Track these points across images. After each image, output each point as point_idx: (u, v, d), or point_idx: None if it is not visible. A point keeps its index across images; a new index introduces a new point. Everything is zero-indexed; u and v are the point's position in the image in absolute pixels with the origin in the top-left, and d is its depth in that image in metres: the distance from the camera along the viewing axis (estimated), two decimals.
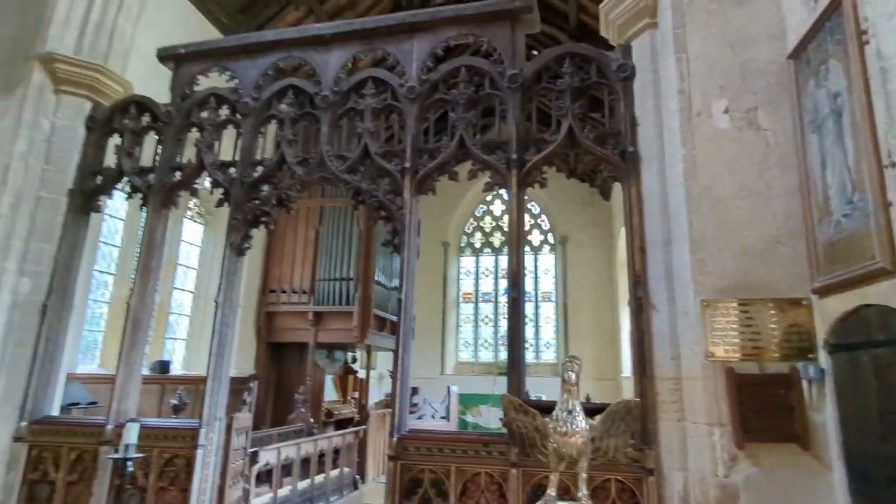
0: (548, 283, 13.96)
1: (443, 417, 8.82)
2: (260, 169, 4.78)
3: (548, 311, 13.85)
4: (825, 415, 3.19)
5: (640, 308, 3.79)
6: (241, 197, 4.74)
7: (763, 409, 3.25)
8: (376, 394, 11.73)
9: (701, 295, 3.46)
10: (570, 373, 2.27)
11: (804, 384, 3.23)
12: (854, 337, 2.94)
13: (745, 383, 3.28)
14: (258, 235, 8.94)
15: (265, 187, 4.78)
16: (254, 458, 5.37)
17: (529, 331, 13.59)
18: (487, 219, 14.75)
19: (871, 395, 2.79)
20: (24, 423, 4.47)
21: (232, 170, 4.82)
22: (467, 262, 14.59)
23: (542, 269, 14.06)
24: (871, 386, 2.79)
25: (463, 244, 14.68)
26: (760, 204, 3.48)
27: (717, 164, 3.61)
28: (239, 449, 4.98)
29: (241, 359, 8.29)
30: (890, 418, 2.65)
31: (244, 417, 5.11)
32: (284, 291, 8.91)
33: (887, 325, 2.65)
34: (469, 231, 14.77)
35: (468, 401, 12.33)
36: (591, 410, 2.36)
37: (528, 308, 13.80)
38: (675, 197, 3.71)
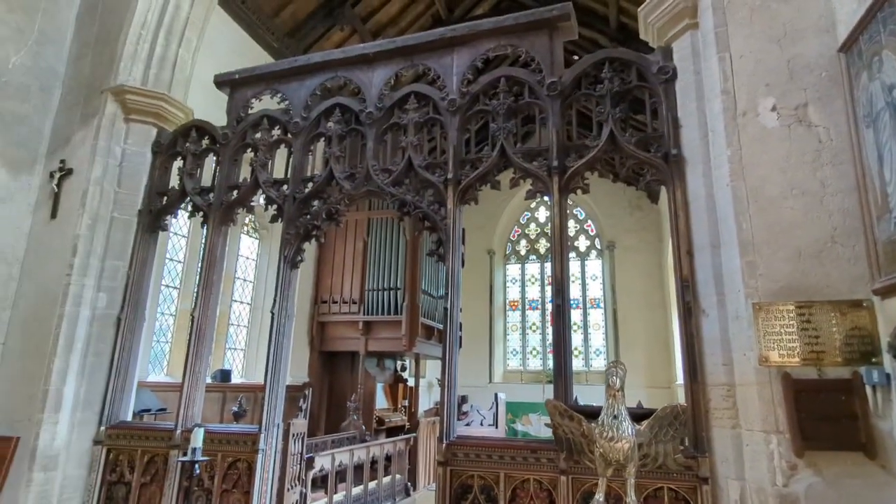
0: (596, 290, 13.73)
1: (490, 424, 8.80)
2: (310, 185, 4.98)
3: (596, 317, 13.61)
4: (892, 422, 3.02)
5: (689, 313, 3.71)
6: (294, 212, 4.94)
7: (823, 416, 3.11)
8: (426, 402, 11.83)
9: (753, 298, 3.35)
10: (614, 377, 2.26)
11: (868, 390, 3.07)
12: None
13: (802, 389, 3.15)
14: (310, 248, 9.26)
15: (315, 202, 4.96)
16: (310, 463, 5.53)
17: (577, 338, 13.38)
18: (532, 226, 14.68)
19: None
20: (102, 428, 4.79)
21: (284, 187, 5.04)
22: (513, 269, 14.55)
23: (590, 275, 13.84)
24: None
25: (508, 252, 14.66)
26: (814, 203, 3.35)
27: (766, 163, 3.50)
28: (295, 454, 5.14)
29: (296, 367, 8.55)
30: None
31: (300, 423, 5.27)
32: (335, 302, 9.14)
33: None
34: (514, 238, 14.73)
35: (517, 409, 12.25)
36: (638, 416, 2.34)
37: (576, 315, 13.60)
38: (723, 199, 3.62)
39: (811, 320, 3.24)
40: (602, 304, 13.54)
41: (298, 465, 5.17)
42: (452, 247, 4.41)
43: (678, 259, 3.86)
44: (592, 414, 2.39)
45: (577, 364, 13.03)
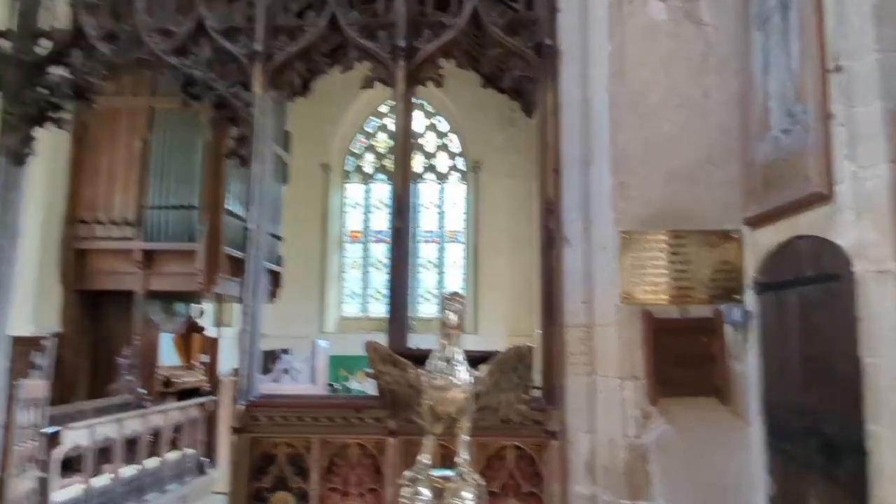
0: (455, 220, 14.07)
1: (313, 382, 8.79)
2: (47, 44, 4.27)
3: (455, 254, 14.03)
4: (747, 364, 3.47)
5: (551, 242, 3.86)
6: (19, 82, 4.22)
7: (683, 359, 3.47)
8: (230, 357, 11.41)
9: (621, 225, 3.57)
10: (450, 312, 2.24)
11: (727, 329, 3.47)
12: (784, 274, 3.17)
13: (664, 330, 3.47)
14: (61, 145, 8.15)
15: (55, 70, 4.29)
16: (54, 439, 5.04)
17: (430, 278, 13.75)
18: (381, 136, 14.41)
19: (795, 340, 3.04)
20: None
21: (4, 42, 4.26)
22: (355, 191, 14.28)
23: (450, 203, 14.12)
24: (795, 329, 3.04)
25: (349, 168, 14.29)
26: (695, 115, 3.60)
27: (650, 65, 3.66)
28: (28, 427, 4.65)
29: (41, 312, 7.68)
30: (812, 365, 2.91)
31: (35, 386, 4.74)
32: (101, 222, 8.26)
33: (819, 260, 2.87)
34: (358, 151, 14.39)
35: (352, 364, 12.38)
36: (476, 360, 2.37)
37: (430, 250, 13.90)
38: (599, 104, 3.74)
39: (680, 252, 3.55)
40: (463, 239, 13.97)
41: (34, 441, 4.69)
42: (259, 146, 4.07)
43: (543, 177, 3.97)
44: (423, 359, 2.38)
45: (427, 309, 13.41)
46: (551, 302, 3.82)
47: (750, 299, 3.46)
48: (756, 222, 3.38)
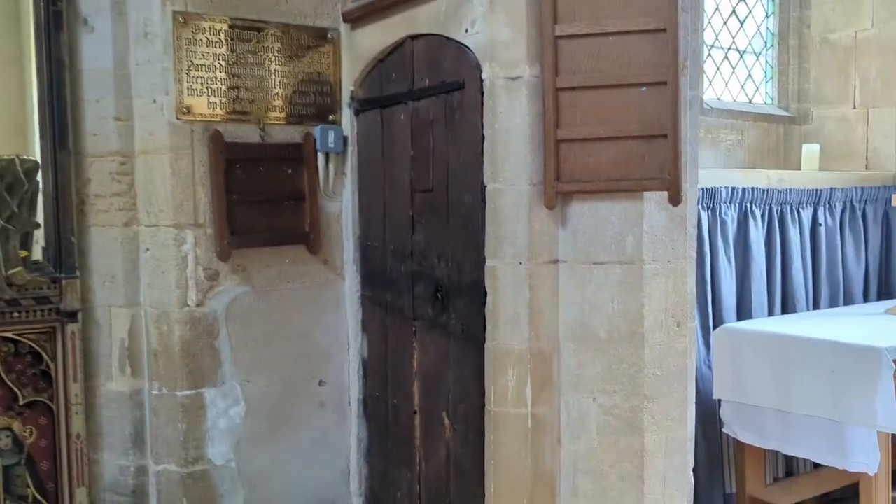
0: None
1: None
2: None
3: None
4: (343, 202, 3.04)
5: (57, 24, 2.68)
6: None
7: (263, 198, 2.84)
8: None
9: (175, 3, 2.65)
10: None
11: (320, 159, 2.95)
12: (393, 86, 2.72)
13: (238, 159, 2.76)
14: None
15: None
16: None
17: None
18: None
19: (404, 170, 2.67)
20: None
21: None
22: None
23: None
24: (406, 157, 2.67)
25: None
26: None
27: None
28: None
29: None
30: (424, 198, 2.59)
31: None
32: None
33: (438, 65, 2.48)
34: None
35: None
36: None
37: None
38: None
39: (260, 52, 2.83)
40: None
41: None
42: None
43: None
44: None
45: None
46: (63, 117, 2.70)
47: (348, 120, 2.99)
48: (357, 18, 2.83)
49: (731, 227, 3.77)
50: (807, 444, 3.12)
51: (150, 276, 2.76)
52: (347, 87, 2.97)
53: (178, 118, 2.66)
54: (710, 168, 4.01)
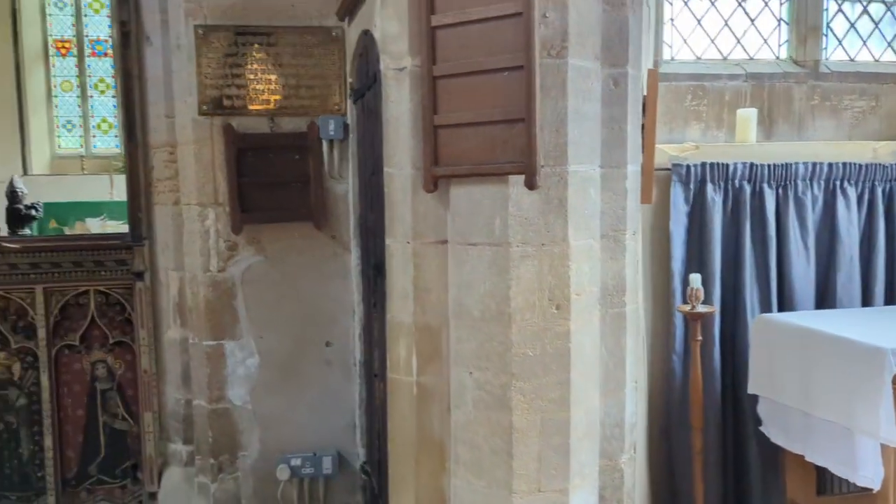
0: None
1: None
2: None
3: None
4: (347, 184, 3.49)
5: (127, 39, 3.51)
6: None
7: (272, 181, 3.39)
8: None
9: (196, 17, 3.29)
10: None
11: (325, 145, 3.42)
12: (362, 77, 3.09)
13: (249, 147, 3.34)
14: None
15: None
16: None
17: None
18: None
19: (367, 152, 3.05)
20: None
21: None
22: None
23: None
24: (367, 141, 3.04)
25: None
26: None
27: None
28: None
29: None
30: (369, 179, 2.94)
31: None
32: None
33: (369, 57, 2.79)
34: None
35: (66, 212, 11.58)
36: None
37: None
38: None
39: (271, 54, 3.36)
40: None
41: None
42: None
43: None
44: None
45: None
46: (132, 116, 3.54)
47: (349, 108, 3.40)
48: (344, 13, 3.24)
49: (811, 209, 3.47)
50: (824, 451, 2.90)
51: (187, 245, 3.48)
52: (349, 79, 3.36)
53: (199, 115, 3.31)
54: (803, 141, 3.69)
